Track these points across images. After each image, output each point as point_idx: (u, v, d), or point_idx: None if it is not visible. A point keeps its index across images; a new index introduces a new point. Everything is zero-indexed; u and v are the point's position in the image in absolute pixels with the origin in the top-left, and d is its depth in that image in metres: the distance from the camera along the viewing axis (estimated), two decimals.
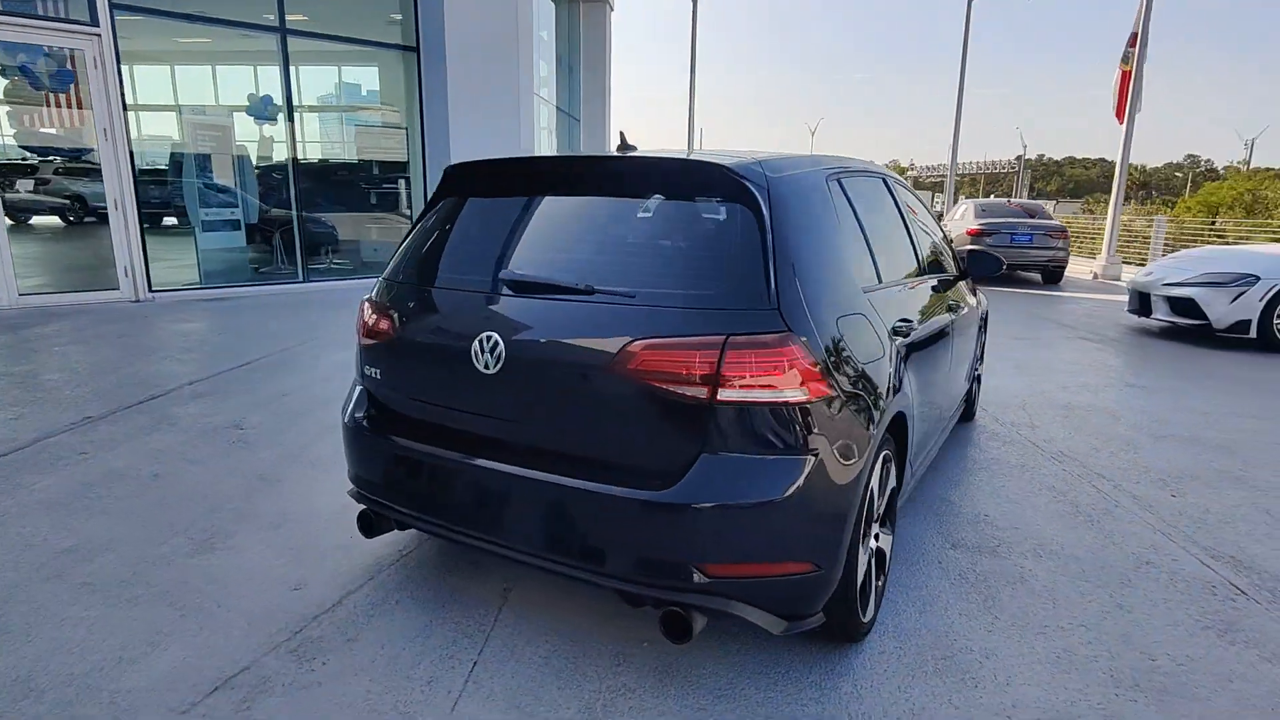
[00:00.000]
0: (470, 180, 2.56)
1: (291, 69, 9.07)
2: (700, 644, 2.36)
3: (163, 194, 9.22)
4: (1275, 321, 7.04)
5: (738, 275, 1.97)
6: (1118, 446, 4.35)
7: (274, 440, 4.08)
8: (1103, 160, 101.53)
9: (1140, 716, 2.07)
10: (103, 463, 3.70)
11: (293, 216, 9.51)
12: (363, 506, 2.53)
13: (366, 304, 2.54)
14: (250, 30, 8.98)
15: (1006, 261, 11.29)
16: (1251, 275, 7.17)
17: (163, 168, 9.26)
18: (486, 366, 2.12)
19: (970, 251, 4.19)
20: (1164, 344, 7.53)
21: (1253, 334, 7.10)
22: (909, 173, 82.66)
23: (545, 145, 14.06)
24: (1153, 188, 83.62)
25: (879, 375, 2.25)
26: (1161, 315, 7.77)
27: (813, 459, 1.91)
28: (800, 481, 1.89)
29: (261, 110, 9.37)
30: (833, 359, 2.01)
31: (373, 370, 2.48)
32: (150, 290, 8.32)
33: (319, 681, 2.16)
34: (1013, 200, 14.10)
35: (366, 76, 11.08)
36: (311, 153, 9.94)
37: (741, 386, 1.86)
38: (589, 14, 17.27)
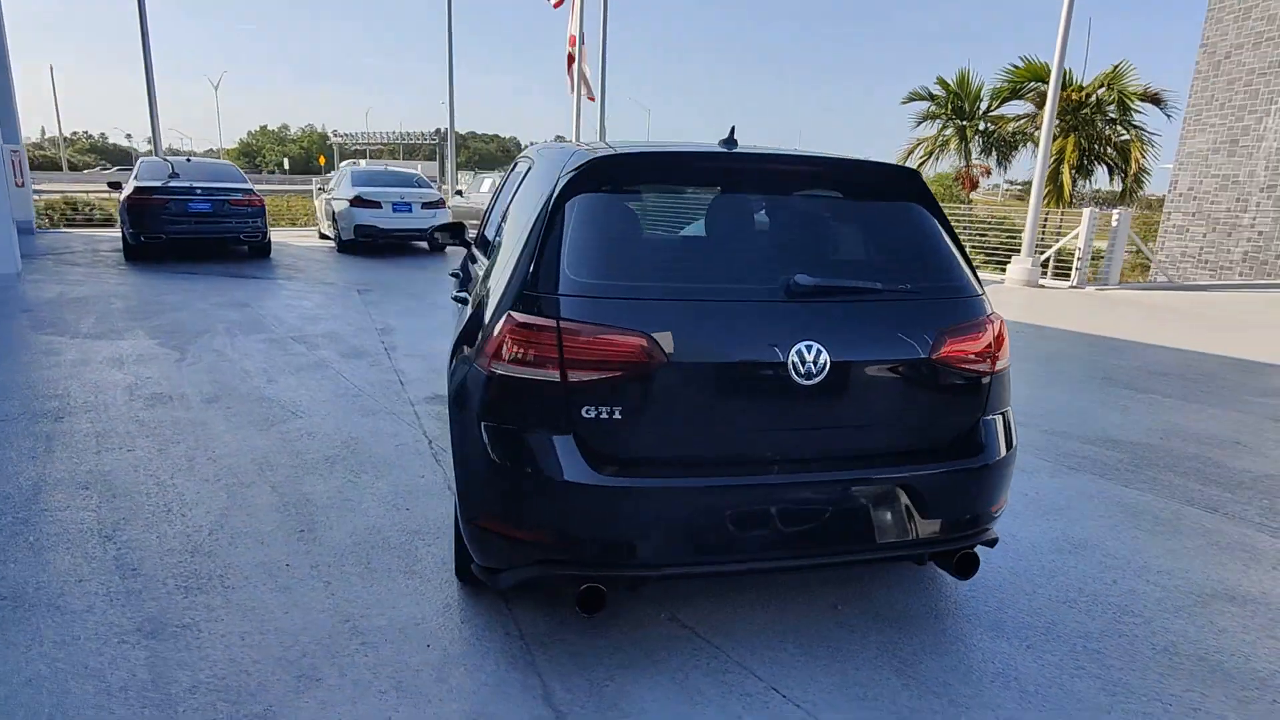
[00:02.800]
0: (636, 173, 2.23)
1: None
2: (885, 588, 2.70)
3: None
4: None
5: (954, 264, 2.35)
6: None
7: (85, 587, 2.46)
8: (498, 136, 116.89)
9: (1042, 526, 3.31)
10: None
11: None
12: (537, 578, 2.03)
13: (567, 329, 1.96)
14: None
15: None
16: None
17: None
18: (808, 377, 2.02)
19: None
20: None
21: None
22: (333, 141, 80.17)
23: None
24: None
25: None
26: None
27: (1010, 410, 2.48)
28: (1013, 426, 2.45)
29: None
30: None
31: (604, 410, 1.97)
32: None
33: None
34: None
35: None
36: None
37: (999, 356, 2.31)
38: None
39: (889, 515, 2.17)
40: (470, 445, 2.16)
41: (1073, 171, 14.58)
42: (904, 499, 2.17)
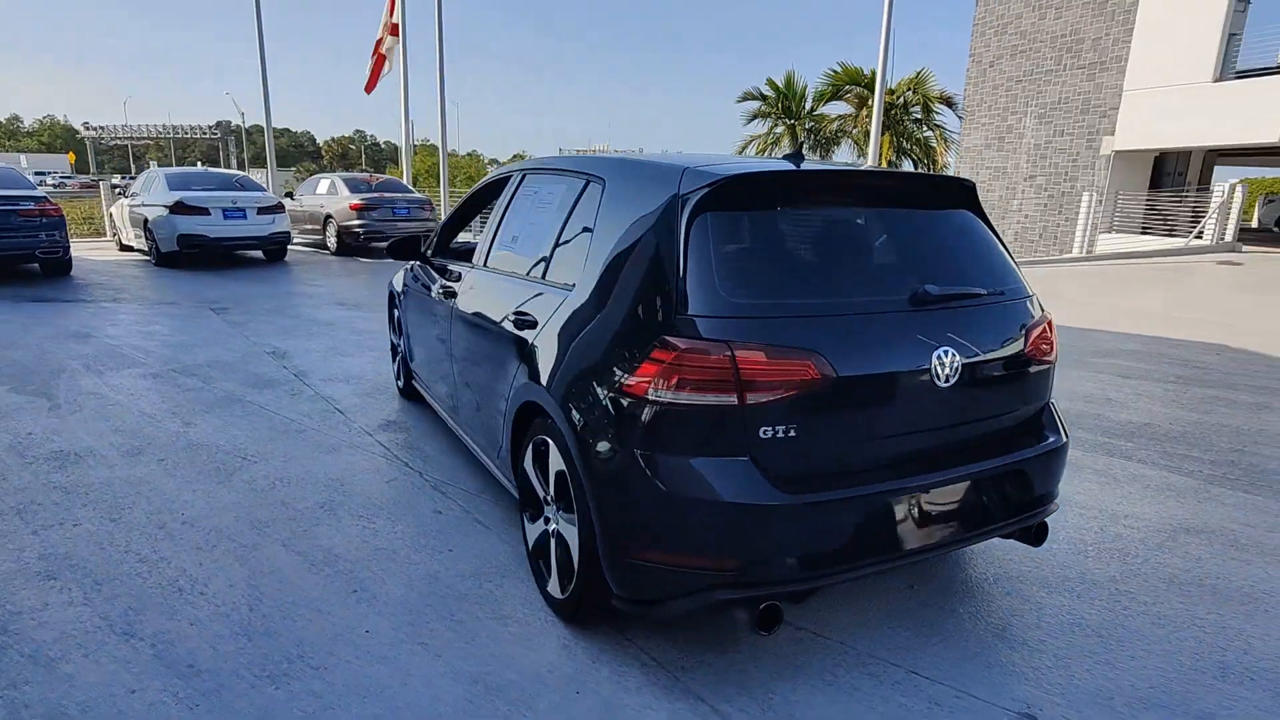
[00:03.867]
0: (762, 191, 2.24)
1: None
2: (933, 564, 2.94)
3: None
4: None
5: (1013, 268, 2.62)
6: None
7: None
8: (289, 130, 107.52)
9: None
10: None
11: None
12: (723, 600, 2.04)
13: (742, 351, 1.95)
14: None
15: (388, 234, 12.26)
16: None
17: None
18: (946, 380, 2.17)
19: None
20: None
21: None
22: (84, 135, 69.34)
23: None
24: (345, 158, 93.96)
25: None
26: None
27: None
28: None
29: None
30: None
31: (779, 429, 1.98)
32: None
33: None
34: (373, 175, 14.70)
35: None
36: None
37: (1055, 347, 2.61)
38: None
39: (1003, 495, 2.40)
40: (623, 477, 2.08)
41: (888, 165, 16.32)
42: (1014, 480, 2.41)
